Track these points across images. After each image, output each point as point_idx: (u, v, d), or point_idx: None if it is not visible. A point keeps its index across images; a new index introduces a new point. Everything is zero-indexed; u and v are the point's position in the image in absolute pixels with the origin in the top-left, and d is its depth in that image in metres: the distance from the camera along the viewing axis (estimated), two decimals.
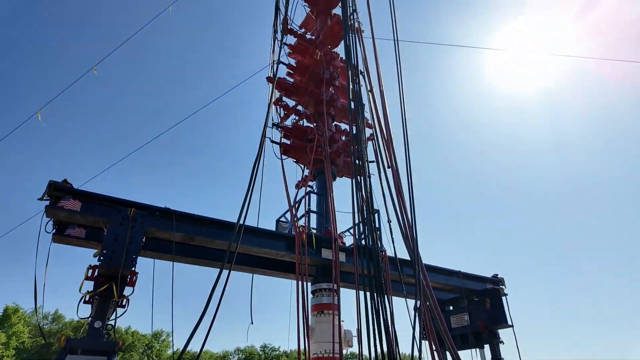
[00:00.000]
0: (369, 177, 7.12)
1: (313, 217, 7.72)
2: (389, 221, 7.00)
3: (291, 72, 9.50)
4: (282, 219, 8.07)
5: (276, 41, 9.76)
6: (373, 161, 7.95)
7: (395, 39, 8.60)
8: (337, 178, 8.95)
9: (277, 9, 10.43)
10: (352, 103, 7.79)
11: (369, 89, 9.09)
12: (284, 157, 8.25)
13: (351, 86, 8.05)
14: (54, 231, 5.25)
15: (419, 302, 5.84)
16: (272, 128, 8.34)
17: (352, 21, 9.22)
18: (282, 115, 9.12)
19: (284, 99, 9.27)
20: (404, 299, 6.32)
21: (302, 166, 8.75)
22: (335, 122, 9.54)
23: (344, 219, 8.70)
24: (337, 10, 10.32)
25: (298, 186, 8.36)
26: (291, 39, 9.81)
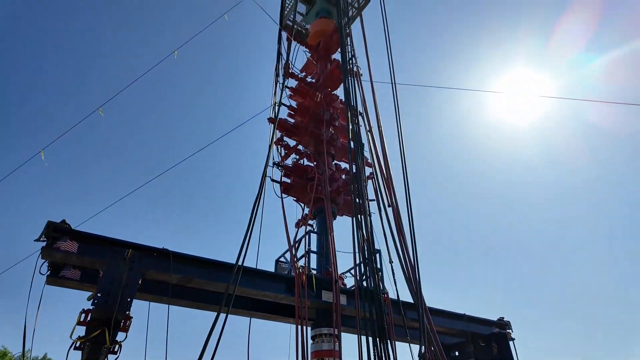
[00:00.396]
0: (370, 215, 7.10)
1: (313, 257, 7.60)
2: (391, 262, 6.87)
3: (292, 113, 9.77)
4: (282, 259, 7.93)
5: (278, 84, 10.14)
6: (373, 200, 7.97)
7: (393, 82, 8.94)
8: (338, 217, 8.91)
9: (279, 54, 10.94)
10: (352, 143, 7.95)
11: (368, 129, 9.32)
12: (284, 195, 8.27)
13: (350, 126, 8.26)
14: (48, 273, 5.14)
15: (423, 347, 5.60)
16: (273, 167, 8.43)
17: (351, 65, 9.65)
18: (282, 154, 9.27)
19: (285, 138, 9.47)
20: (407, 344, 6.06)
21: (302, 205, 8.75)
22: (335, 161, 9.66)
23: (345, 259, 8.56)
24: (337, 56, 10.81)
25: (298, 225, 8.31)
26: (292, 82, 10.20)
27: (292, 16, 12.24)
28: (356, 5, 11.63)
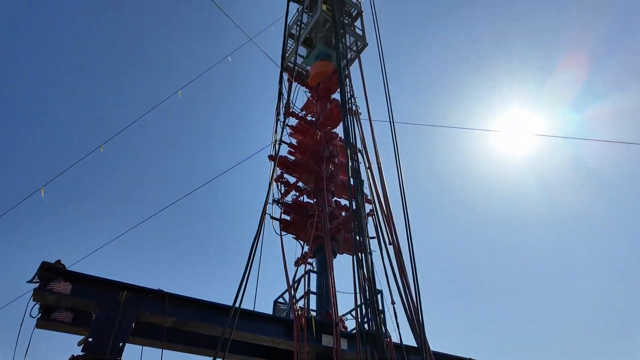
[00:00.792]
0: (370, 253, 6.99)
1: (312, 297, 7.38)
2: (393, 303, 6.67)
3: (292, 150, 9.91)
4: (280, 299, 7.71)
5: (279, 122, 10.38)
6: (374, 237, 7.88)
7: (391, 121, 9.17)
8: (338, 255, 8.77)
9: (280, 94, 11.29)
10: (352, 180, 8.00)
11: (367, 166, 9.42)
12: (283, 233, 8.19)
13: (350, 164, 8.36)
14: (39, 315, 4.97)
15: None
16: (273, 204, 8.42)
17: (350, 105, 9.93)
18: (282, 191, 9.29)
19: (285, 176, 9.53)
20: None
21: (302, 243, 8.64)
22: (335, 198, 9.67)
23: (345, 300, 8.31)
24: (336, 95, 11.15)
25: (297, 263, 8.16)
26: (293, 121, 10.45)
27: (293, 58, 12.76)
28: (355, 48, 12.16)
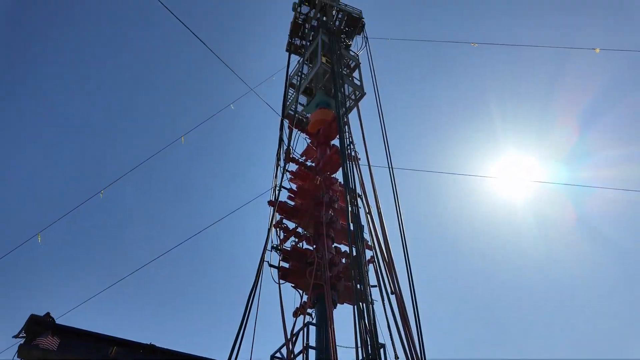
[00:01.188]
0: (372, 304, 6.74)
1: (311, 352, 7.00)
2: (397, 357, 6.33)
3: (292, 195, 9.93)
4: (277, 354, 7.30)
5: (279, 168, 10.51)
6: (375, 286, 7.65)
7: (390, 167, 9.31)
8: (338, 305, 8.46)
9: (280, 140, 11.55)
10: (352, 225, 7.93)
11: (367, 211, 9.40)
12: (281, 281, 7.97)
13: (350, 208, 8.34)
14: None
15: None
16: (271, 251, 8.28)
17: (349, 151, 10.12)
18: (281, 237, 9.17)
19: (284, 221, 9.47)
20: None
21: (301, 292, 8.37)
22: (335, 244, 9.52)
23: (347, 355, 7.88)
24: (336, 142, 11.39)
25: (296, 314, 7.84)
26: (293, 167, 10.58)
27: (293, 107, 13.21)
28: (353, 97, 12.63)
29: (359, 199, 9.13)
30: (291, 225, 9.57)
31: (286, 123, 12.17)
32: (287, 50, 15.37)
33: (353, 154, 10.16)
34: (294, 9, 14.86)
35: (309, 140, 11.92)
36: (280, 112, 12.33)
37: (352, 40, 14.94)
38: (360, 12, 14.62)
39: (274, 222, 8.93)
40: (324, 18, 14.70)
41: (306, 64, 13.93)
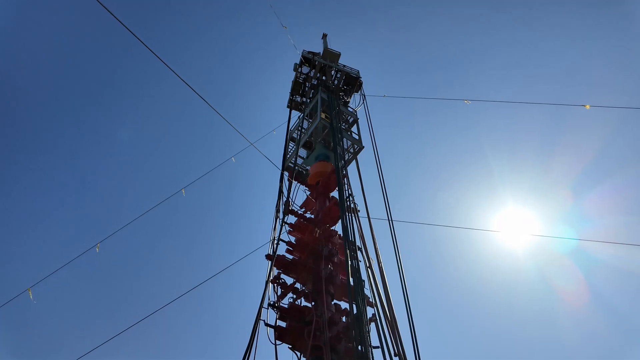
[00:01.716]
0: None
1: None
2: None
3: (290, 249, 9.70)
4: None
5: (278, 220, 10.39)
6: (378, 347, 7.15)
7: (390, 219, 9.19)
8: None
9: (280, 192, 11.56)
10: (352, 280, 7.61)
11: (367, 265, 9.08)
12: (278, 342, 7.46)
13: (350, 262, 8.06)
14: None
15: None
16: (268, 309, 7.86)
17: (348, 203, 10.07)
18: (279, 293, 8.77)
19: (282, 276, 9.13)
20: None
21: (299, 354, 7.80)
22: (335, 301, 9.08)
23: None
24: (335, 193, 11.40)
25: None
26: (292, 219, 10.46)
27: (293, 159, 13.44)
28: (352, 150, 12.89)
29: (359, 252, 8.89)
30: (289, 280, 9.21)
31: (286, 175, 12.29)
32: (288, 107, 16.04)
33: (352, 205, 10.10)
34: (295, 70, 15.78)
35: (308, 192, 11.94)
36: (280, 165, 12.51)
37: (351, 97, 15.66)
38: (358, 72, 15.48)
39: (271, 277, 8.61)
40: (324, 77, 15.54)
41: (306, 119, 14.45)
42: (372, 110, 13.87)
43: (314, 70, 15.52)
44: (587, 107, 12.04)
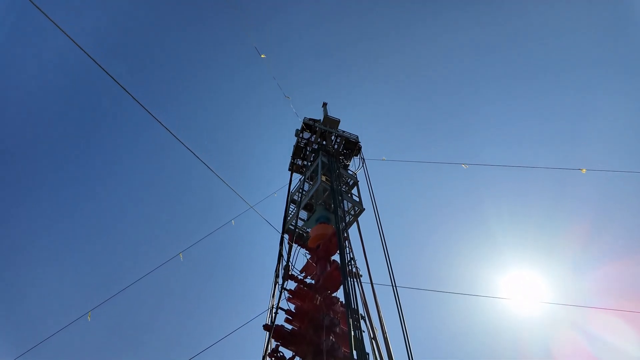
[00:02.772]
0: None
1: None
2: None
3: (290, 318, 9.19)
4: None
5: (277, 286, 9.99)
6: None
7: (394, 285, 8.84)
8: None
9: (280, 255, 11.29)
10: (355, 353, 7.08)
11: (372, 336, 8.53)
12: None
13: (352, 333, 7.57)
14: None
15: None
16: None
17: (350, 267, 9.77)
18: None
19: (281, 348, 8.53)
20: None
21: None
22: None
23: None
24: (336, 257, 11.12)
25: None
26: (291, 284, 10.07)
27: (294, 222, 13.37)
28: (352, 212, 12.88)
29: (362, 321, 8.40)
30: (288, 353, 8.58)
31: (286, 238, 12.11)
32: (289, 169, 16.41)
33: (354, 270, 9.79)
34: (297, 135, 16.43)
35: (308, 256, 11.66)
36: (279, 228, 12.41)
37: (350, 160, 16.08)
38: (357, 137, 16.09)
39: (269, 350, 8.04)
40: (324, 142, 16.12)
41: (307, 181, 14.67)
42: (372, 173, 14.14)
43: (314, 136, 16.15)
44: (583, 170, 12.25)
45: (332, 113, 17.10)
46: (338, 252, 10.09)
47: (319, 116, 17.08)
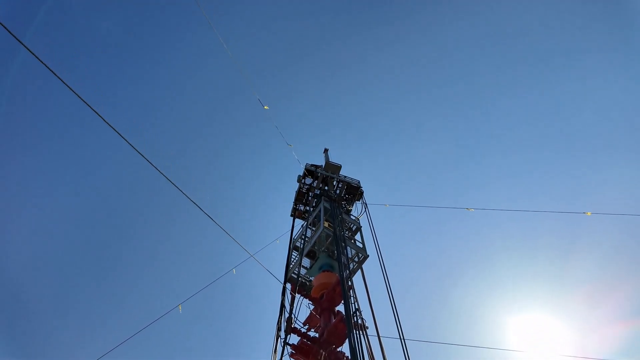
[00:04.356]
0: None
1: None
2: None
3: None
4: None
5: (279, 340, 9.45)
6: None
7: (402, 337, 8.35)
8: None
9: (282, 306, 10.80)
10: None
11: None
12: None
13: None
14: None
15: None
16: None
17: (355, 319, 9.29)
18: None
19: None
20: None
21: None
22: None
23: None
24: (341, 307, 10.64)
25: None
26: (294, 338, 9.55)
27: (296, 270, 12.98)
28: (356, 259, 12.54)
29: None
30: None
31: (288, 287, 11.68)
32: (292, 215, 16.28)
33: (360, 322, 9.30)
34: (299, 181, 16.51)
35: (312, 307, 11.16)
36: (281, 278, 12.02)
37: (353, 205, 15.99)
38: (359, 182, 16.14)
39: None
40: (326, 187, 16.15)
41: (310, 227, 14.46)
42: (375, 217, 13.98)
43: (316, 181, 16.22)
44: (589, 214, 12.09)
45: (334, 158, 17.33)
46: (342, 302, 9.67)
47: (321, 162, 17.30)
